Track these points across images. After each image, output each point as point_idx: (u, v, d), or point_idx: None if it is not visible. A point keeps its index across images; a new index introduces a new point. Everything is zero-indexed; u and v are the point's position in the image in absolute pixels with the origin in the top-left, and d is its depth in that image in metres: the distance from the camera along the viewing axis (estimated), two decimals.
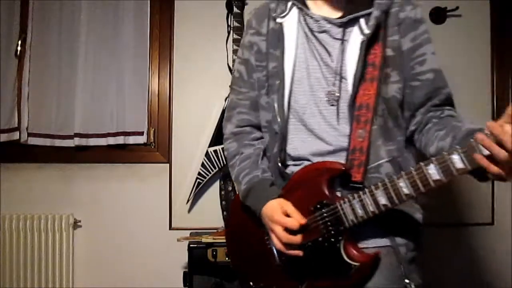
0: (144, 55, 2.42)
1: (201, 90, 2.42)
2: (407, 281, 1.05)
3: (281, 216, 1.07)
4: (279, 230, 1.07)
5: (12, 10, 2.34)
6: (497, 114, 2.43)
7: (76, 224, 2.35)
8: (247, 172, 1.19)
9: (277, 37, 1.15)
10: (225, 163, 2.27)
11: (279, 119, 1.14)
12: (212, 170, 2.29)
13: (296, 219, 1.06)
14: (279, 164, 1.15)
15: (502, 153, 0.82)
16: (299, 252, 1.07)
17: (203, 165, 2.29)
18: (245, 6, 2.33)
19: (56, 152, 2.37)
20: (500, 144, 0.82)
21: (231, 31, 2.32)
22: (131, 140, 2.38)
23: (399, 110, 1.11)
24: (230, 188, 2.28)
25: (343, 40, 1.09)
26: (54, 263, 2.29)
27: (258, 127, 1.26)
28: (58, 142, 2.36)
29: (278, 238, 1.08)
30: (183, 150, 2.40)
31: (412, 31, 1.10)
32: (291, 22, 1.15)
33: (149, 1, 2.42)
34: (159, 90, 2.43)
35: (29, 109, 2.36)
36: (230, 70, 2.31)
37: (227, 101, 1.35)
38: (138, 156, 2.42)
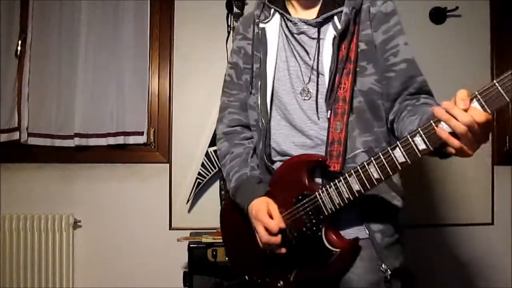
0: (144, 55, 2.42)
1: (201, 90, 2.42)
2: (383, 266, 1.11)
3: (265, 216, 1.14)
4: (261, 229, 1.14)
5: (12, 10, 2.34)
6: (497, 114, 2.43)
7: (76, 224, 2.35)
8: (236, 170, 1.26)
9: (260, 41, 1.23)
10: None
11: (261, 117, 1.21)
12: (212, 170, 2.29)
13: (276, 223, 1.12)
14: (265, 160, 1.21)
15: (459, 126, 0.84)
16: (279, 250, 1.14)
17: (203, 165, 2.29)
18: (245, 6, 2.33)
19: (56, 152, 2.37)
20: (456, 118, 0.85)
21: (231, 31, 2.32)
22: (131, 140, 2.38)
23: (379, 102, 1.16)
24: None
25: (319, 39, 1.16)
26: (54, 263, 2.29)
27: (248, 127, 1.33)
28: (58, 142, 2.36)
29: (260, 236, 1.15)
30: (183, 150, 2.40)
31: (383, 24, 1.15)
32: (273, 26, 1.23)
33: (149, 1, 2.42)
34: (159, 90, 2.43)
35: (29, 109, 2.36)
36: None
37: (220, 102, 1.44)
38: (138, 156, 2.42)
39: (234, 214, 1.28)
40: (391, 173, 0.98)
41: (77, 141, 2.33)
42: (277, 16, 1.24)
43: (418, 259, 2.34)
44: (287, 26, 1.22)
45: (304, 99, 1.17)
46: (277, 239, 1.12)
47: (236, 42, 1.35)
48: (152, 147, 2.42)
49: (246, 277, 1.27)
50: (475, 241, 2.48)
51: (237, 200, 1.24)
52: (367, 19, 1.14)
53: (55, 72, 2.36)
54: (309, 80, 1.17)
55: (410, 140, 0.92)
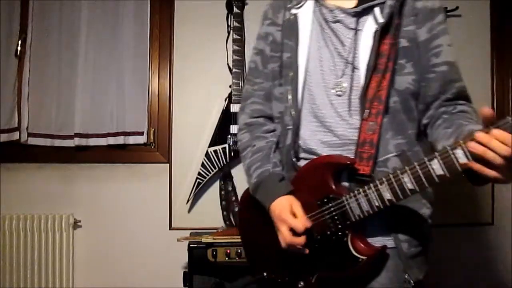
0: (144, 55, 2.42)
1: (201, 90, 2.42)
2: (406, 276, 1.06)
3: (288, 215, 1.07)
4: (284, 229, 1.07)
5: (12, 10, 2.34)
6: (497, 115, 2.42)
7: (76, 224, 2.35)
8: (258, 165, 1.19)
9: (291, 28, 1.15)
10: (225, 163, 2.28)
11: (293, 112, 1.12)
12: (212, 170, 2.29)
13: (301, 222, 1.05)
14: (293, 158, 1.14)
15: (497, 158, 0.82)
16: (302, 251, 1.08)
17: (203, 165, 2.29)
18: (245, 6, 2.33)
19: (56, 152, 2.37)
20: (492, 150, 0.82)
21: (231, 31, 2.32)
22: (131, 140, 2.38)
23: (413, 103, 1.10)
24: (230, 188, 2.28)
25: (356, 30, 1.07)
26: (54, 263, 2.29)
27: (271, 118, 1.26)
28: (58, 142, 2.36)
29: (283, 237, 1.08)
30: (183, 150, 2.40)
31: (428, 21, 1.08)
32: (306, 12, 1.14)
33: (149, 1, 2.42)
34: (159, 90, 2.43)
35: (29, 109, 2.36)
36: (230, 70, 2.31)
37: (243, 91, 1.34)
38: (138, 156, 2.42)
39: (254, 210, 1.22)
40: (426, 185, 0.92)
41: (77, 141, 2.32)
42: (310, 2, 1.15)
43: None
44: (321, 13, 1.12)
45: (336, 95, 1.09)
46: (301, 239, 1.06)
47: (264, 28, 1.25)
48: (152, 147, 2.42)
49: (265, 273, 1.23)
50: (475, 241, 2.48)
51: (257, 197, 1.18)
52: (411, 14, 1.07)
53: (55, 72, 2.36)
54: (343, 74, 1.08)
55: (451, 152, 0.87)
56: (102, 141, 2.37)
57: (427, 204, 1.11)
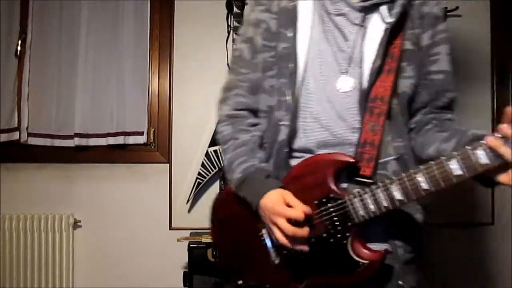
0: (144, 55, 2.42)
1: (201, 90, 2.42)
2: (400, 282, 1.02)
3: (284, 207, 0.98)
4: (282, 222, 0.97)
5: (12, 10, 2.34)
6: (497, 115, 2.43)
7: (76, 224, 2.35)
8: (242, 159, 1.10)
9: (289, 17, 1.07)
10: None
11: (290, 107, 1.05)
12: (212, 170, 2.29)
13: (300, 209, 0.97)
14: (287, 156, 1.07)
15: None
16: (304, 247, 0.99)
17: (203, 165, 2.29)
18: (245, 6, 2.32)
19: (56, 152, 2.38)
20: None
21: (231, 31, 2.32)
22: (131, 140, 2.39)
23: (408, 107, 1.07)
24: None
25: (361, 26, 1.03)
26: (54, 263, 2.29)
27: (255, 112, 1.17)
28: (58, 142, 2.36)
29: (283, 231, 0.98)
30: (183, 150, 2.40)
31: (432, 27, 1.06)
32: (306, 2, 1.08)
33: (149, 1, 2.42)
34: (159, 90, 2.43)
35: (29, 109, 2.36)
36: None
37: (226, 80, 1.27)
38: (138, 156, 2.42)
39: (234, 208, 1.14)
40: (443, 185, 0.88)
41: (77, 141, 2.33)
42: None
43: None
44: (323, 4, 1.06)
45: (336, 91, 1.03)
46: (305, 230, 0.97)
47: (255, 14, 1.14)
48: (152, 147, 2.42)
49: (240, 282, 1.14)
50: (475, 241, 2.48)
51: (242, 193, 1.09)
52: (418, 17, 1.04)
53: (55, 72, 2.37)
54: (346, 71, 1.03)
55: (471, 152, 0.85)
56: (102, 141, 2.37)
57: (421, 210, 1.08)
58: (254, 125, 1.16)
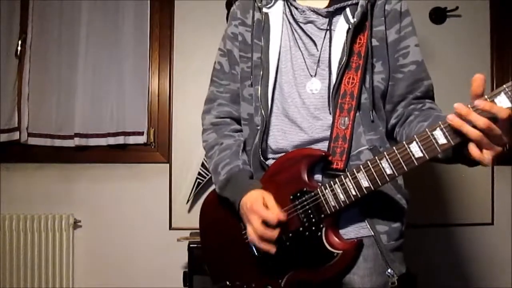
0: (144, 55, 2.42)
1: (201, 90, 2.39)
2: (389, 270, 1.04)
3: (261, 207, 1.03)
4: (256, 221, 1.02)
5: (12, 10, 2.34)
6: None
7: (76, 224, 2.35)
8: (227, 162, 1.15)
9: (262, 28, 1.15)
10: None
11: (262, 110, 1.11)
12: None
13: (275, 214, 1.01)
14: (260, 155, 1.12)
15: (473, 132, 0.81)
16: (271, 248, 1.03)
17: (203, 165, 2.29)
18: None
19: (56, 152, 2.37)
20: (472, 124, 0.81)
21: None
22: (131, 140, 2.38)
23: (381, 102, 1.12)
24: None
25: (330, 30, 1.09)
26: (54, 263, 2.29)
27: (238, 120, 1.23)
28: (58, 142, 2.36)
29: (254, 229, 1.03)
30: (183, 150, 2.40)
31: (397, 23, 1.12)
32: (276, 12, 1.14)
33: (149, 1, 2.42)
34: (159, 90, 2.43)
35: (29, 109, 2.36)
36: None
37: (208, 92, 1.33)
38: (138, 156, 2.42)
39: (218, 211, 1.18)
40: (405, 169, 0.91)
41: (77, 141, 2.33)
42: (280, 2, 1.15)
43: (418, 259, 2.35)
44: (291, 14, 1.13)
45: (308, 93, 1.09)
46: (274, 233, 1.01)
47: (232, 28, 1.24)
48: (152, 147, 2.42)
49: (228, 282, 1.16)
50: (475, 241, 2.48)
51: (225, 194, 1.14)
52: (381, 15, 1.10)
53: (55, 72, 2.36)
54: (315, 74, 1.09)
55: (429, 133, 0.86)
56: (102, 141, 2.37)
57: (403, 200, 1.10)
58: (238, 131, 1.23)
